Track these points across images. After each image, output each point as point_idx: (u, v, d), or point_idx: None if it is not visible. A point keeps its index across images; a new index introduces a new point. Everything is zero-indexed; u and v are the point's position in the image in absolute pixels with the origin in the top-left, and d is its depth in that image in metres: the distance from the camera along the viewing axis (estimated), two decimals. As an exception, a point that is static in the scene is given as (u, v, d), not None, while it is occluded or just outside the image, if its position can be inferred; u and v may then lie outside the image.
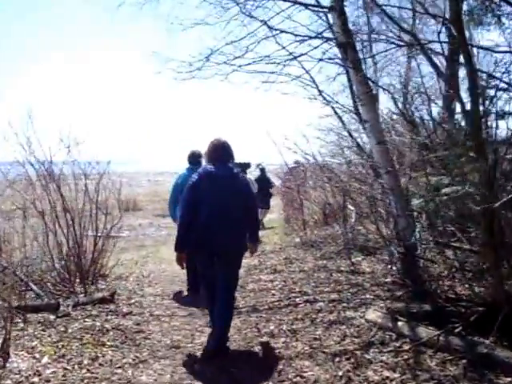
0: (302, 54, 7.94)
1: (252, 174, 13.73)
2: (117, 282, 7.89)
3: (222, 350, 4.84)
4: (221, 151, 5.00)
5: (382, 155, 6.96)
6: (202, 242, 4.82)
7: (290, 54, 8.04)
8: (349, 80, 9.49)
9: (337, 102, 11.53)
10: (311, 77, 9.05)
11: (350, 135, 10.69)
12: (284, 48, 7.85)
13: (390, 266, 7.56)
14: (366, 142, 9.01)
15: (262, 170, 14.95)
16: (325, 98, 10.86)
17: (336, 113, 11.03)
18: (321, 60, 7.99)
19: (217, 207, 4.76)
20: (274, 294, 6.96)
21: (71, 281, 7.03)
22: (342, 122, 11.18)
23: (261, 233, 13.30)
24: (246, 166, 13.35)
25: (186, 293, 7.49)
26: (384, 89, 8.45)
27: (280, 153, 11.73)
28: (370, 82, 7.61)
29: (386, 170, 6.77)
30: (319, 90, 10.42)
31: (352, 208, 10.90)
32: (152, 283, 8.01)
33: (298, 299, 6.59)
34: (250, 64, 8.01)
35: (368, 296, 6.40)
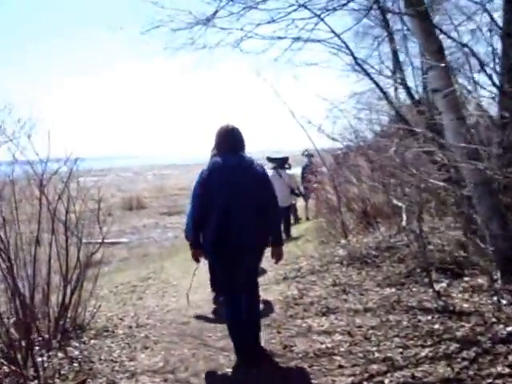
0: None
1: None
2: (97, 343, 5.10)
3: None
4: (230, 139, 4.33)
5: (459, 136, 5.19)
6: (218, 243, 4.19)
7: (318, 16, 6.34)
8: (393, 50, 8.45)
9: (380, 73, 8.94)
10: (343, 42, 7.31)
11: (399, 114, 8.13)
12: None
13: (497, 299, 4.85)
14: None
15: (310, 157, 13.40)
16: (363, 68, 8.32)
17: (379, 86, 8.42)
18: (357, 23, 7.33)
19: (231, 204, 4.12)
20: (341, 367, 4.12)
21: (15, 357, 4.06)
22: (387, 97, 8.58)
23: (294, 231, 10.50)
24: (284, 160, 11.65)
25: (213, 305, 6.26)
26: (471, 50, 5.39)
27: (309, 137, 8.89)
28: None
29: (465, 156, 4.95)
30: (355, 58, 7.88)
31: (400, 204, 8.26)
32: (150, 341, 5.15)
33: (386, 380, 3.78)
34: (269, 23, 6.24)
35: (500, 369, 3.64)
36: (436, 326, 4.60)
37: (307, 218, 14.30)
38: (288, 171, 11.76)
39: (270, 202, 4.30)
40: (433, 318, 4.81)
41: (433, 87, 5.97)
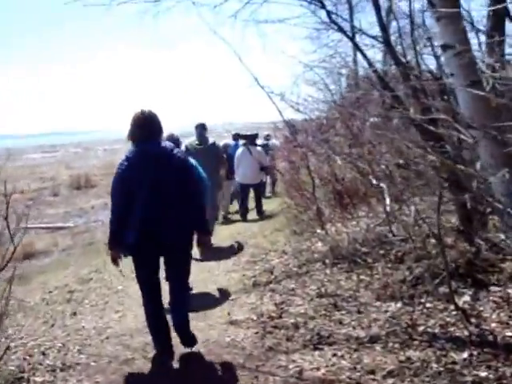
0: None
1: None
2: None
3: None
4: (147, 126, 3.82)
5: (475, 104, 3.91)
6: (141, 238, 3.73)
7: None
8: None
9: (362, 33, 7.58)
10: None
11: (382, 80, 6.68)
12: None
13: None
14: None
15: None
16: (338, 25, 6.89)
17: (357, 46, 6.98)
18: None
19: (152, 196, 3.71)
20: None
21: None
22: (368, 60, 7.13)
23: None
24: (254, 137, 10.67)
25: None
26: None
27: (276, 107, 7.25)
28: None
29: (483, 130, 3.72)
30: (328, 12, 6.53)
31: (382, 185, 6.90)
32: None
33: None
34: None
35: None
36: (483, 374, 3.15)
37: (273, 192, 13.12)
38: (258, 148, 10.53)
39: (193, 189, 3.92)
40: (471, 356, 3.37)
41: (443, 42, 4.48)
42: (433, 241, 5.05)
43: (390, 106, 6.87)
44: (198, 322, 4.54)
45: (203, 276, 6.23)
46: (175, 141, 5.25)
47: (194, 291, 5.39)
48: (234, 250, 7.42)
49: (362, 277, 5.15)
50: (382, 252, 5.52)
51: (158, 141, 3.88)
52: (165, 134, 4.21)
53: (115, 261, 4.00)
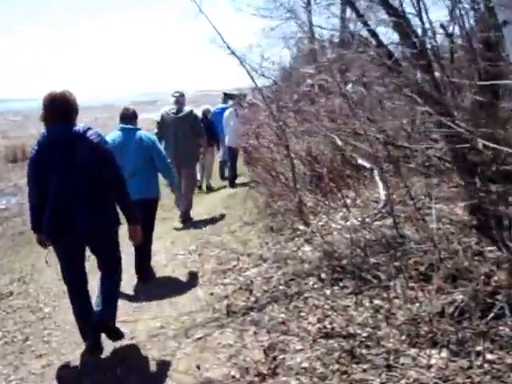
0: None
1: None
2: None
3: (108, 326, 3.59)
4: (58, 108, 3.46)
5: None
6: (55, 228, 3.50)
7: None
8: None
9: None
10: None
11: (377, 38, 5.34)
12: None
13: None
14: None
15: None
16: None
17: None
18: None
19: (64, 182, 3.43)
20: None
21: None
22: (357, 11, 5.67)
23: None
24: (233, 96, 9.81)
25: None
26: None
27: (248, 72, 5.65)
28: None
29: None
30: None
31: (368, 165, 5.78)
32: None
33: None
34: None
35: None
36: None
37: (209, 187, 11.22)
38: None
39: (111, 176, 3.54)
40: None
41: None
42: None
43: (388, 69, 5.43)
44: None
45: (156, 293, 4.65)
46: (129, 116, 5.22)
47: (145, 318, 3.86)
48: None
49: (376, 301, 3.68)
50: (396, 263, 4.07)
51: (69, 123, 3.47)
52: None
53: (42, 244, 3.72)
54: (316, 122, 6.19)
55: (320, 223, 5.47)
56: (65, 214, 3.45)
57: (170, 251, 5.86)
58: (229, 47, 5.30)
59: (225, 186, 9.89)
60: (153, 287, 4.84)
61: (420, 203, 5.04)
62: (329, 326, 3.46)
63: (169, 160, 5.32)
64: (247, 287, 4.34)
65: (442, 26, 5.18)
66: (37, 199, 3.55)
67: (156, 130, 7.27)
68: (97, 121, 36.07)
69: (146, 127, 15.03)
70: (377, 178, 5.85)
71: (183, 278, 5.00)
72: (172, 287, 4.78)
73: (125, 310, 4.30)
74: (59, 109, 3.46)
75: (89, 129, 3.52)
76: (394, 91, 6.08)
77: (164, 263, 5.48)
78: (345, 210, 6.00)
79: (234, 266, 4.91)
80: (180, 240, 6.24)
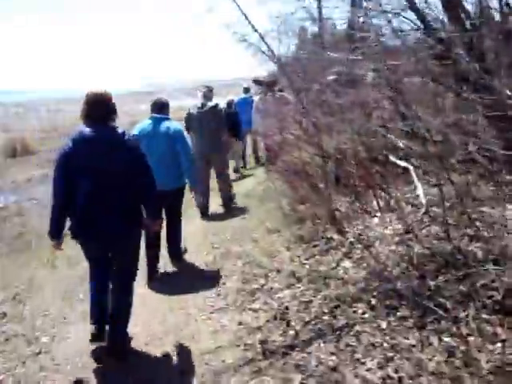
0: None
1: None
2: None
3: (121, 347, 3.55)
4: (99, 107, 3.41)
5: None
6: (84, 229, 3.45)
7: None
8: None
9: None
10: None
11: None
12: None
13: None
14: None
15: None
16: None
17: None
18: None
19: (98, 182, 3.34)
20: None
21: None
22: None
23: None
24: (272, 83, 8.58)
25: None
26: None
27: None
28: None
29: None
30: None
31: (404, 164, 5.07)
32: None
33: None
34: None
35: None
36: None
37: (257, 160, 10.81)
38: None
39: (143, 177, 3.48)
40: None
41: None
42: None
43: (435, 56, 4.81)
44: None
45: (173, 320, 3.95)
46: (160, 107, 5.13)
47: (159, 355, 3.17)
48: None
49: (446, 339, 2.98)
50: (461, 286, 3.35)
51: (109, 124, 3.43)
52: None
53: (58, 248, 3.62)
54: (348, 116, 5.48)
55: (355, 230, 4.76)
56: (93, 217, 3.39)
57: (184, 263, 5.15)
58: (253, 26, 4.54)
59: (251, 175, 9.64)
60: (167, 311, 4.13)
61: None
62: (395, 376, 2.76)
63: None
64: (283, 316, 3.63)
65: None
66: (64, 196, 3.39)
67: (183, 125, 7.15)
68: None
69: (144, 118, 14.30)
70: (414, 178, 5.14)
71: (202, 299, 4.27)
72: (189, 313, 4.06)
73: (137, 343, 3.61)
74: (105, 108, 3.43)
75: (125, 132, 3.47)
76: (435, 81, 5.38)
77: (179, 276, 4.77)
78: (379, 214, 5.31)
79: (263, 286, 4.19)
80: (195, 248, 5.51)
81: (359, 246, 4.48)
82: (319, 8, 20.44)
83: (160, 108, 5.12)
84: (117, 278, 3.66)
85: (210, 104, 7.08)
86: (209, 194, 7.14)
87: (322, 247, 4.59)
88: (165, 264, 5.09)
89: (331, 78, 7.31)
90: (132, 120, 22.09)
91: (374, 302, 3.52)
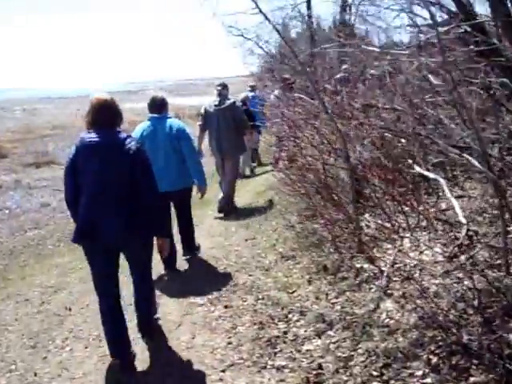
0: None
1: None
2: None
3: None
4: (103, 113, 3.42)
5: None
6: (86, 235, 3.37)
7: None
8: None
9: None
10: None
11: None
12: None
13: None
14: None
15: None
16: None
17: None
18: None
19: (100, 187, 3.34)
20: None
21: None
22: None
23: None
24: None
25: None
26: None
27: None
28: None
29: None
30: None
31: (432, 175, 4.20)
32: None
33: None
34: None
35: None
36: None
37: (259, 163, 10.52)
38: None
39: (146, 186, 3.39)
40: None
41: None
42: None
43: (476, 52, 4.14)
44: None
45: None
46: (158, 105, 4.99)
47: None
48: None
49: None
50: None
51: (113, 129, 3.41)
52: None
53: None
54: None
55: (387, 256, 4.02)
56: (96, 220, 3.34)
57: (183, 297, 4.33)
58: (266, 17, 3.78)
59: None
60: (165, 371, 3.31)
61: None
62: None
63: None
64: (317, 379, 2.85)
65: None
66: (72, 199, 3.44)
67: (200, 123, 7.32)
68: (78, 112, 34.33)
69: (128, 118, 13.26)
70: (447, 192, 4.43)
71: (209, 351, 3.44)
72: (194, 370, 3.24)
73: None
74: (109, 114, 3.43)
75: (128, 136, 3.45)
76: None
77: (176, 321, 3.93)
78: (408, 234, 4.59)
79: (285, 333, 3.39)
80: (195, 278, 4.70)
81: (397, 278, 3.74)
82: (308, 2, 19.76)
83: (159, 107, 4.96)
84: (133, 270, 3.63)
85: (228, 101, 7.04)
86: (231, 191, 7.09)
87: (352, 281, 3.82)
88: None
89: (339, 76, 6.60)
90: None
91: (434, 360, 2.77)
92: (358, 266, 4.00)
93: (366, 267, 3.96)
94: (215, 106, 7.02)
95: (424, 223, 4.78)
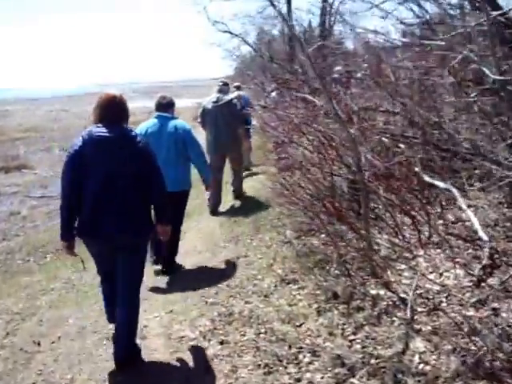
0: None
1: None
2: None
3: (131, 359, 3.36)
4: (111, 108, 3.40)
5: None
6: (91, 228, 3.31)
7: None
8: None
9: None
10: None
11: None
12: None
13: None
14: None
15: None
16: None
17: None
18: None
19: (106, 181, 3.27)
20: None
21: None
22: None
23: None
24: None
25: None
26: None
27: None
28: None
29: None
30: None
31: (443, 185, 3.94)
32: None
33: None
34: None
35: None
36: None
37: (247, 168, 9.46)
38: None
39: (154, 179, 3.40)
40: None
41: None
42: None
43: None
44: None
45: None
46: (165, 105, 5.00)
47: None
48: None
49: None
50: None
51: (117, 123, 3.35)
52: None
53: (70, 251, 3.42)
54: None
55: (402, 280, 3.47)
56: (100, 217, 3.28)
57: (171, 329, 3.71)
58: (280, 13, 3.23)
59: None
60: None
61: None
62: None
63: (206, 154, 5.33)
64: None
65: None
66: (73, 195, 3.31)
67: (199, 120, 7.40)
68: (51, 113, 33.21)
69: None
70: (462, 205, 3.96)
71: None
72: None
73: None
74: (117, 110, 3.40)
75: (136, 132, 3.48)
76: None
77: (163, 358, 3.32)
78: (421, 251, 4.08)
79: (298, 381, 2.80)
80: (182, 305, 4.08)
81: (422, 308, 3.19)
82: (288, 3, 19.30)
83: (166, 106, 4.96)
84: (122, 288, 3.42)
85: (226, 98, 7.09)
86: (220, 191, 7.03)
87: (370, 311, 3.25)
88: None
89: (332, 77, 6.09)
90: (85, 123, 20.29)
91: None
92: (373, 292, 3.45)
93: (383, 294, 3.41)
94: (213, 102, 7.06)
95: (435, 237, 4.29)
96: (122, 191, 3.29)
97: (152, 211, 3.51)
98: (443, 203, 4.83)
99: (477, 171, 5.55)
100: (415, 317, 3.09)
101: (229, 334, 3.44)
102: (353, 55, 7.46)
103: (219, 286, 4.28)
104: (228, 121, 6.90)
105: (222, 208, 7.00)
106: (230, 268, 4.73)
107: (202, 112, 7.23)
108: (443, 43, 3.81)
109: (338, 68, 6.40)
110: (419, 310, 3.17)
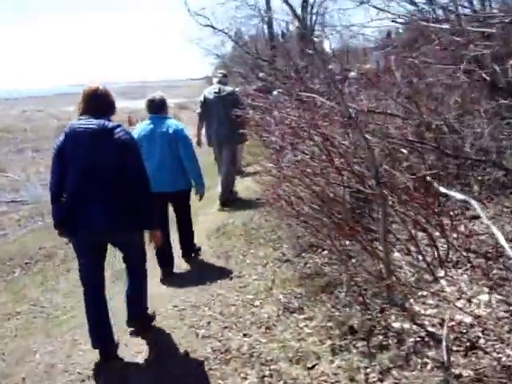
0: None
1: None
2: None
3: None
4: (93, 100, 3.36)
5: None
6: (71, 225, 3.27)
7: None
8: None
9: None
10: None
11: None
12: None
13: None
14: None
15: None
16: None
17: None
18: None
19: (85, 174, 3.21)
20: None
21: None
22: None
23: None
24: None
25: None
26: None
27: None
28: None
29: None
30: None
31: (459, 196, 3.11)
32: None
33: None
34: None
35: None
36: None
37: (240, 171, 9.02)
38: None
39: (136, 176, 3.28)
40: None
41: None
42: None
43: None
44: None
45: None
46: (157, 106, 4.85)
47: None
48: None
49: None
50: None
51: (101, 116, 3.30)
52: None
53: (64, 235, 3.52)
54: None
55: (430, 309, 2.96)
56: (80, 207, 3.22)
57: (159, 367, 3.12)
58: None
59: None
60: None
61: None
62: None
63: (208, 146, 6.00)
64: None
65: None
66: (57, 189, 3.32)
67: (199, 110, 7.26)
68: (25, 113, 32.09)
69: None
70: (484, 219, 3.45)
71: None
72: None
73: None
74: (100, 102, 3.36)
75: (119, 125, 3.33)
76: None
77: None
78: (441, 272, 3.60)
79: None
80: (169, 338, 3.47)
81: (457, 346, 2.68)
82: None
83: (159, 106, 4.83)
84: (127, 265, 3.58)
85: (228, 89, 7.08)
86: (229, 180, 7.06)
87: (396, 351, 2.71)
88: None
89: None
90: (59, 124, 19.43)
91: None
92: (396, 325, 2.91)
93: (408, 328, 2.88)
94: (215, 93, 6.99)
95: (451, 255, 3.82)
96: (104, 182, 3.22)
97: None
98: (451, 213, 4.35)
99: (487, 177, 5.14)
100: (450, 357, 2.57)
101: (227, 376, 2.85)
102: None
103: (210, 313, 3.65)
104: (229, 112, 6.67)
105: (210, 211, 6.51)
106: (222, 291, 4.07)
107: (204, 102, 7.09)
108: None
109: (330, 67, 5.97)
110: (454, 348, 2.66)
